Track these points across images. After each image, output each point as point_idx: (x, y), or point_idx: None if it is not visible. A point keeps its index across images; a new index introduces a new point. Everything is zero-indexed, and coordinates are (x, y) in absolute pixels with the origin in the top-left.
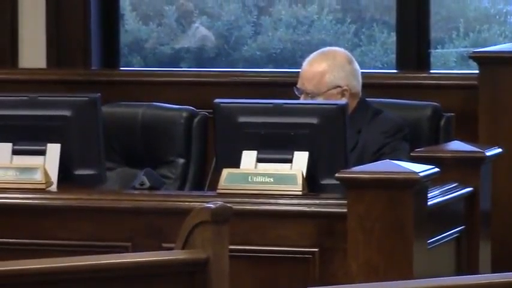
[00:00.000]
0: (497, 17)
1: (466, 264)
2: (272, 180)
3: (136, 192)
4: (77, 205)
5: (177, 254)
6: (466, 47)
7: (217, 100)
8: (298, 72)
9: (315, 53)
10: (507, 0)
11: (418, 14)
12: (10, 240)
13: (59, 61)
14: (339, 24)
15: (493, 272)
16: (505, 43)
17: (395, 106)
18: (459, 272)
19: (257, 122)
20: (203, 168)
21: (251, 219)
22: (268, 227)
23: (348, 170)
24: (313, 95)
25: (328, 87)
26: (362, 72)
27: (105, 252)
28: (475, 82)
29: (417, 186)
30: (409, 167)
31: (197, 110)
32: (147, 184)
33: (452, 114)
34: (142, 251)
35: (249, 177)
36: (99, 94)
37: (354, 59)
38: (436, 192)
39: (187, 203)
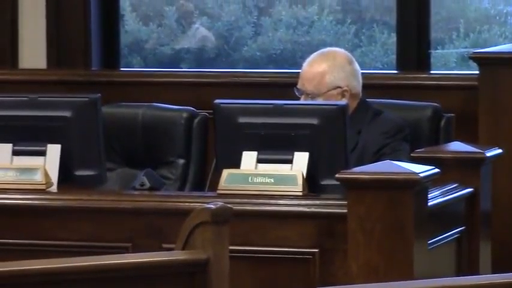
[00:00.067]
0: (498, 17)
1: (466, 265)
2: (272, 180)
3: (136, 192)
4: (77, 206)
5: (177, 255)
6: (466, 47)
7: (217, 101)
8: (299, 72)
9: (315, 53)
10: (507, 0)
11: (418, 14)
12: (10, 240)
13: (59, 61)
14: (339, 25)
15: (494, 272)
16: (505, 44)
17: (395, 107)
18: (459, 272)
19: (257, 122)
20: (203, 169)
21: (251, 220)
22: (268, 227)
23: (348, 171)
24: (313, 96)
25: (328, 87)
26: (362, 73)
27: (105, 253)
28: (475, 83)
29: (417, 187)
30: (410, 167)
31: (197, 111)
32: (147, 185)
33: (452, 114)
34: (143, 252)
35: (249, 177)
36: (99, 95)
37: (354, 60)
38: (437, 192)
39: (187, 204)
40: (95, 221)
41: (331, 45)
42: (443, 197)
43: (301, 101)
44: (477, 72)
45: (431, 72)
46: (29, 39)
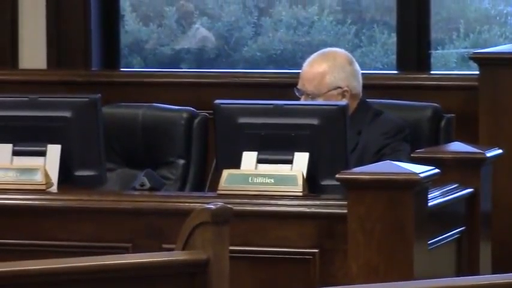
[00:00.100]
0: (498, 18)
1: (466, 265)
2: (272, 181)
3: (136, 193)
4: (77, 206)
5: (177, 255)
6: (466, 48)
7: (217, 101)
8: (299, 73)
9: (315, 54)
10: (507, 1)
11: (418, 14)
12: (10, 241)
13: (59, 62)
14: (340, 25)
15: (494, 272)
16: (505, 44)
17: (395, 107)
18: (459, 272)
19: (257, 122)
20: (203, 169)
21: (251, 220)
22: (268, 228)
23: (348, 171)
24: (313, 96)
25: (328, 88)
26: (362, 73)
27: (105, 253)
28: (476, 83)
29: (417, 187)
30: (410, 168)
31: (197, 111)
32: (148, 185)
33: (452, 115)
34: (143, 252)
35: (250, 178)
36: (99, 95)
37: (354, 60)
38: (437, 193)
39: (187, 204)
40: (95, 221)
41: (331, 46)
42: (444, 197)
43: (302, 101)
44: (477, 72)
45: (432, 72)
46: (29, 39)
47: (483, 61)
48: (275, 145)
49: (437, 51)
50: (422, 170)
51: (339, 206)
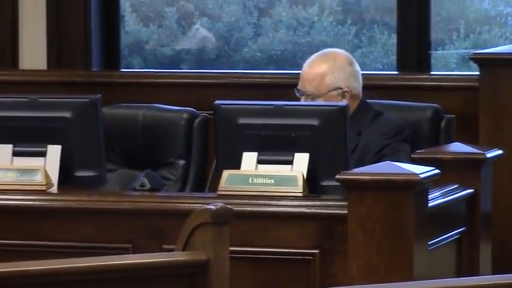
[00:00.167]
0: (498, 18)
1: (466, 266)
2: (272, 181)
3: (136, 193)
4: (78, 206)
5: (177, 256)
6: (466, 48)
7: (217, 101)
8: (299, 73)
9: (315, 54)
10: (507, 1)
11: (418, 15)
12: (10, 241)
13: (60, 62)
14: (340, 26)
15: (494, 273)
16: (505, 45)
17: (395, 107)
18: (460, 273)
19: (257, 123)
20: (204, 170)
21: (251, 221)
22: (268, 228)
23: (348, 172)
24: (313, 97)
25: (328, 88)
26: (362, 74)
27: (105, 254)
28: (476, 83)
29: (418, 188)
30: (410, 168)
31: (198, 112)
32: (148, 185)
33: (452, 115)
34: (143, 253)
35: (250, 178)
36: (99, 95)
37: (354, 61)
38: (437, 193)
39: (187, 205)
40: (95, 221)
41: (331, 46)
42: (444, 197)
43: (302, 102)
44: (477, 73)
45: (432, 73)
46: (29, 39)
47: (483, 62)
48: (275, 146)
49: (438, 51)
50: (422, 171)
51: (339, 207)
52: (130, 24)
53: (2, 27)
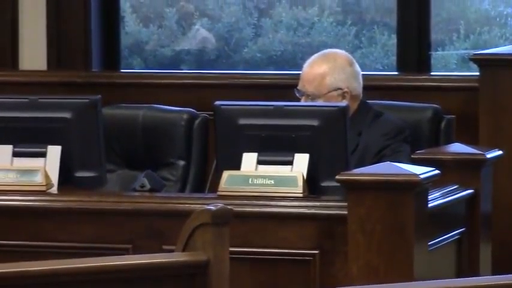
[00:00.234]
0: (498, 19)
1: (466, 266)
2: (272, 182)
3: (136, 194)
4: (78, 207)
5: (177, 256)
6: (466, 49)
7: (217, 102)
8: (299, 74)
9: (315, 55)
10: (507, 2)
11: (418, 16)
12: (10, 242)
13: (60, 63)
14: (340, 26)
15: (494, 274)
16: (505, 45)
17: (395, 108)
18: (460, 274)
19: (257, 124)
20: (204, 170)
21: (252, 222)
22: (268, 229)
23: (348, 172)
24: (313, 97)
25: (328, 89)
26: (363, 74)
27: (105, 255)
28: (476, 84)
29: (418, 188)
30: (410, 169)
31: (198, 112)
32: (148, 186)
33: (452, 116)
34: (143, 253)
35: (250, 179)
36: (99, 96)
37: (354, 61)
38: (437, 194)
39: (187, 205)
40: (95, 222)
41: (331, 47)
42: (444, 198)
43: (302, 103)
44: (477, 73)
45: (432, 73)
46: (29, 39)
47: (483, 62)
48: (275, 146)
49: (438, 52)
50: (422, 171)
51: (339, 207)
52: (131, 24)
53: (2, 27)
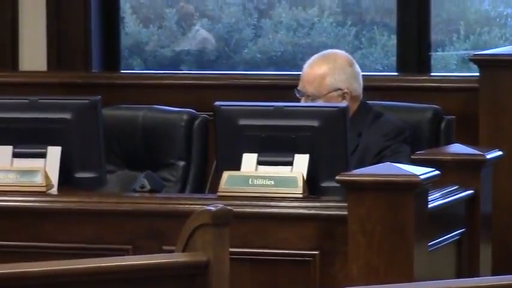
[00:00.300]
0: (498, 19)
1: (466, 267)
2: (272, 182)
3: (136, 195)
4: (78, 208)
5: (177, 257)
6: (466, 49)
7: (217, 103)
8: (299, 75)
9: (316, 55)
10: (507, 2)
11: (418, 16)
12: (10, 243)
13: (60, 63)
14: (340, 27)
15: (494, 274)
16: (505, 46)
17: (395, 109)
18: (460, 274)
19: (257, 124)
20: (204, 171)
21: (252, 222)
22: (268, 229)
23: (348, 173)
24: (313, 98)
25: (328, 89)
26: (363, 75)
27: (105, 255)
28: (476, 85)
29: (418, 189)
30: (410, 169)
31: (197, 113)
32: (148, 187)
33: (452, 116)
34: (143, 254)
35: (250, 179)
36: (99, 97)
37: (354, 62)
38: (437, 194)
39: (187, 206)
40: (95, 223)
41: (331, 47)
42: (444, 199)
43: (302, 103)
44: (477, 74)
45: (432, 74)
46: (29, 40)
47: (483, 63)
48: (275, 147)
49: (438, 53)
50: (422, 172)
51: (339, 208)
52: (130, 25)
53: (2, 27)
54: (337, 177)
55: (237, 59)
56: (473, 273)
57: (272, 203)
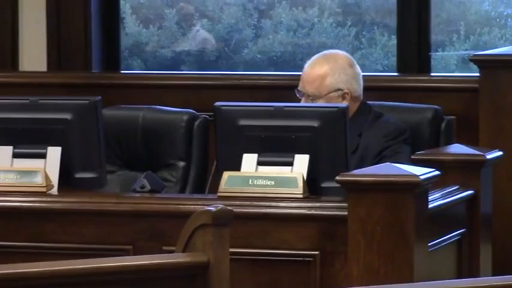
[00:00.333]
0: (498, 20)
1: (466, 267)
2: (273, 183)
3: (137, 195)
4: (78, 208)
5: (178, 257)
6: (466, 50)
7: (217, 103)
8: (299, 75)
9: (316, 55)
10: (507, 3)
11: (418, 17)
12: (11, 243)
13: (60, 64)
14: (340, 27)
15: (494, 274)
16: (505, 46)
17: (396, 109)
18: (460, 275)
19: (258, 125)
20: (204, 171)
21: (252, 222)
22: (269, 230)
23: (348, 173)
24: (314, 98)
25: (329, 90)
26: (363, 75)
27: (106, 256)
28: (476, 85)
29: (418, 189)
30: (410, 170)
31: (198, 113)
32: (148, 187)
33: (453, 117)
34: (143, 254)
35: (250, 180)
36: (99, 97)
37: (355, 62)
38: (437, 195)
39: (188, 206)
40: (95, 223)
41: (331, 48)
42: (444, 199)
43: (302, 103)
44: (477, 74)
45: (432, 74)
46: (29, 40)
47: (483, 63)
48: (275, 147)
49: (438, 53)
50: (422, 172)
51: (339, 208)
52: (131, 25)
53: (2, 27)
54: (337, 178)
55: (237, 59)
56: (473, 273)
57: (272, 204)
